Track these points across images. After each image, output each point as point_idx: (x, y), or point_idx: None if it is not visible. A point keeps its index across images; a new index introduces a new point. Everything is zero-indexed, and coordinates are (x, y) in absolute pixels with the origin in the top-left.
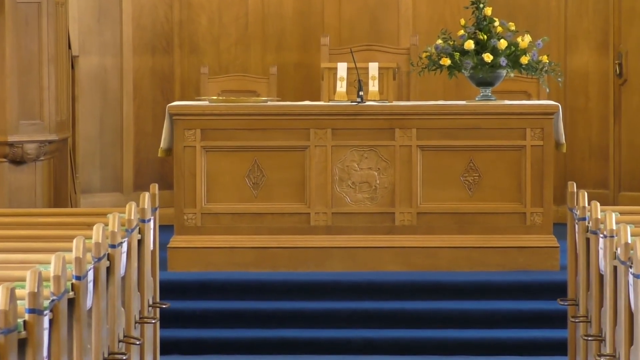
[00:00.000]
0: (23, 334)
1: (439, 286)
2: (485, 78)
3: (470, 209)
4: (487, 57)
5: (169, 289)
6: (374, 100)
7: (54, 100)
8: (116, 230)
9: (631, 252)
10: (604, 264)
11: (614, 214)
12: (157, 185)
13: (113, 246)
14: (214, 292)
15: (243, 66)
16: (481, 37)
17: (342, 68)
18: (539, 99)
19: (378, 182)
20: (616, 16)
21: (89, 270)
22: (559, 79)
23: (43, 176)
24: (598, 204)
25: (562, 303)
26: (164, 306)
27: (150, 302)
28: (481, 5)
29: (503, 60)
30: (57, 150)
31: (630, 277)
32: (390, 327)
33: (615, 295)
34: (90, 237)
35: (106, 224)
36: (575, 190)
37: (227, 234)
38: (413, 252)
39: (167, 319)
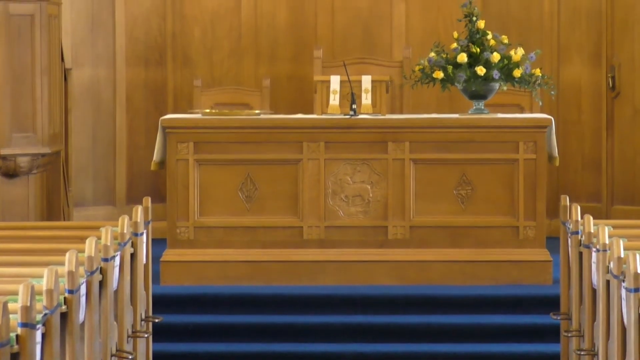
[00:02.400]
0: (15, 347)
1: (432, 300)
2: (478, 91)
3: (463, 222)
4: (480, 70)
5: (161, 303)
6: (367, 114)
7: (46, 113)
8: (109, 244)
9: (624, 266)
10: (596, 278)
11: (606, 228)
12: (149, 198)
13: (106, 260)
14: (206, 305)
15: (236, 78)
16: (474, 50)
17: (335, 81)
18: (531, 112)
19: (371, 195)
20: (609, 28)
21: (82, 283)
22: (552, 92)
23: (36, 189)
24: (591, 217)
25: (555, 317)
26: (156, 320)
27: (143, 316)
28: (474, 18)
29: (496, 73)
30: (49, 163)
31: (623, 291)
32: (383, 341)
33: (608, 309)
34: (83, 251)
35: (99, 238)
36: (568, 203)
37: (219, 247)
38: (406, 266)
39: (160, 333)
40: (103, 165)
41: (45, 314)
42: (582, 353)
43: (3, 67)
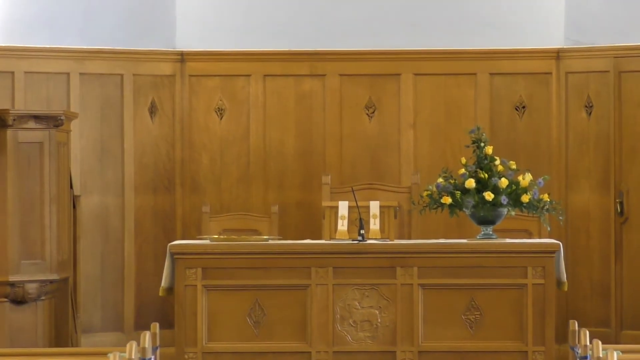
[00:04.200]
0: None
1: None
2: (486, 216)
3: (471, 347)
4: (488, 196)
5: None
6: (375, 239)
7: (55, 240)
8: None
9: None
10: None
11: (615, 352)
12: (158, 324)
13: None
14: None
15: (244, 204)
16: (482, 175)
17: (343, 206)
18: (540, 237)
19: (379, 320)
20: (617, 155)
21: None
22: (560, 217)
23: (44, 316)
24: (600, 342)
25: None
26: None
27: None
28: (482, 144)
29: (504, 199)
30: (58, 289)
31: None
32: None
33: None
34: None
35: None
36: (576, 328)
37: None
38: None
39: None
40: (111, 291)
41: None
42: None
43: (12, 195)
